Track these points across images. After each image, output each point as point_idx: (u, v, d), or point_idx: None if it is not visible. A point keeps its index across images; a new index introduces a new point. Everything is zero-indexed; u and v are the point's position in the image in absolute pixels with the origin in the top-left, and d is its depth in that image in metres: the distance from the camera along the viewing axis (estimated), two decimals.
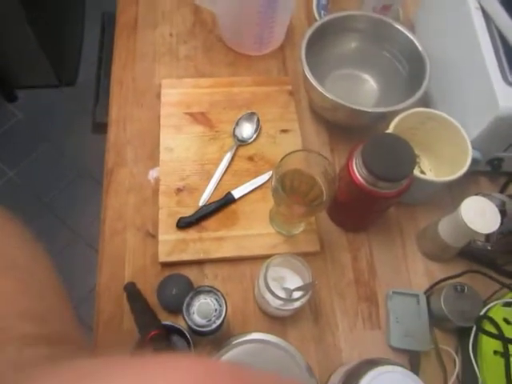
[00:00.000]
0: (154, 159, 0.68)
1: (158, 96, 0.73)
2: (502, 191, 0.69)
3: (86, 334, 0.33)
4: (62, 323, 0.30)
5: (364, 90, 0.76)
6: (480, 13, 0.64)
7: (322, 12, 0.83)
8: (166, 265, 0.60)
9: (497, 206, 0.54)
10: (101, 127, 0.76)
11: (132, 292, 0.56)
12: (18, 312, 0.26)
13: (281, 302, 0.52)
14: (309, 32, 0.68)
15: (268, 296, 0.51)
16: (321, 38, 0.69)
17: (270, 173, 0.65)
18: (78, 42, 1.82)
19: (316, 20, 0.81)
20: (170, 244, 0.60)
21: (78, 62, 1.79)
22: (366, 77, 0.77)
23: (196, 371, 0.15)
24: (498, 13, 0.61)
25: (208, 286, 0.49)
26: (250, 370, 0.17)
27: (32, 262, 0.31)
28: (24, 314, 0.26)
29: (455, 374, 0.56)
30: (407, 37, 0.69)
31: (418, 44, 0.68)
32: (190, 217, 0.61)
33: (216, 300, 0.49)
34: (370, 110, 0.63)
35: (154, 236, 0.62)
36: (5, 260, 0.29)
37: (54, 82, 1.69)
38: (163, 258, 0.59)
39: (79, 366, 0.17)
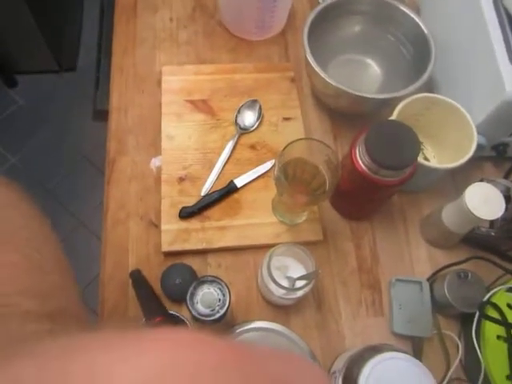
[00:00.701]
0: (155, 147, 0.67)
1: (159, 83, 0.72)
2: (506, 177, 0.68)
3: (90, 315, 0.33)
4: (66, 300, 0.30)
5: (367, 75, 0.75)
6: None
7: None
8: (169, 254, 0.60)
9: (501, 191, 0.54)
10: (102, 114, 0.76)
11: (138, 279, 0.57)
12: (21, 289, 0.26)
13: (284, 291, 0.52)
14: (311, 16, 0.66)
15: (271, 285, 0.51)
16: (323, 22, 0.68)
17: (273, 161, 0.65)
18: (77, 26, 1.79)
19: (319, 3, 0.79)
20: (173, 234, 0.60)
21: (78, 46, 1.77)
22: (370, 61, 0.75)
23: (194, 346, 0.16)
24: None
25: (211, 276, 0.49)
26: (249, 345, 0.18)
27: (37, 236, 0.31)
28: (27, 291, 0.26)
29: (458, 358, 0.56)
30: (412, 19, 0.68)
31: (423, 26, 0.66)
32: (192, 206, 0.61)
33: (219, 289, 0.49)
34: (373, 97, 0.62)
35: (156, 226, 0.62)
36: (8, 234, 0.29)
37: (54, 67, 1.67)
38: (166, 247, 0.59)
39: (75, 339, 0.17)
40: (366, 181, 0.53)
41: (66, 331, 0.25)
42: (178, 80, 0.71)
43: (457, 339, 0.58)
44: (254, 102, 0.69)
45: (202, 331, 0.16)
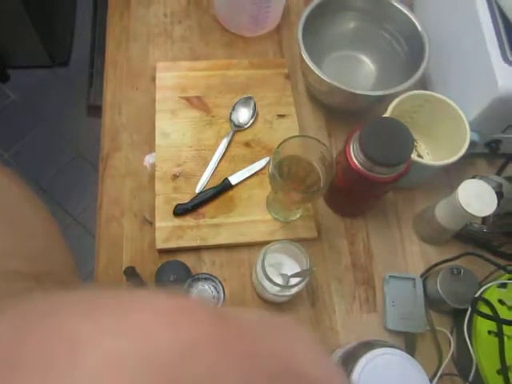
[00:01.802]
0: (150, 144, 0.67)
1: (153, 79, 0.71)
2: (499, 173, 0.69)
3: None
4: (53, 264, 0.29)
5: (362, 72, 0.75)
6: None
7: None
8: (164, 251, 0.60)
9: (493, 188, 0.55)
10: (96, 110, 0.75)
11: (132, 276, 0.57)
12: (2, 250, 0.26)
13: (278, 289, 0.52)
14: (306, 11, 0.66)
15: (266, 283, 0.51)
16: (318, 18, 0.68)
17: (267, 159, 0.65)
18: (70, 20, 1.78)
19: None
20: (167, 231, 0.60)
21: (71, 41, 1.76)
22: (364, 58, 0.75)
23: (175, 321, 0.15)
24: None
25: (206, 274, 0.49)
26: (232, 309, 0.17)
27: (22, 203, 0.31)
28: (10, 252, 0.26)
29: (450, 354, 0.57)
30: (406, 16, 0.68)
31: (417, 24, 0.66)
32: (186, 204, 0.61)
33: (214, 287, 0.49)
34: (367, 94, 0.62)
35: (151, 223, 0.62)
36: None
37: (47, 61, 1.66)
38: (160, 244, 0.59)
39: (50, 299, 0.17)
40: (360, 178, 0.53)
41: (46, 289, 0.25)
42: (173, 76, 0.71)
43: (449, 335, 0.58)
44: (249, 98, 0.69)
45: (185, 297, 0.16)
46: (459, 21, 0.65)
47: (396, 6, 0.68)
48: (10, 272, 0.25)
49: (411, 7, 0.79)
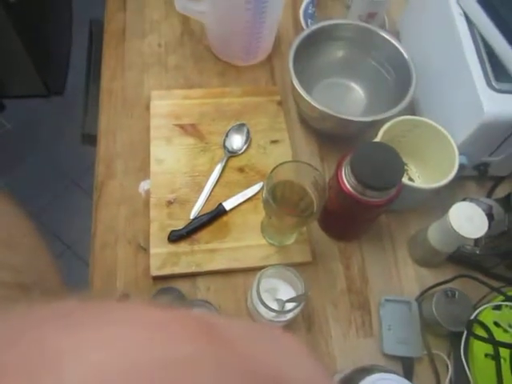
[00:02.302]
0: (144, 171, 0.68)
1: (148, 107, 0.73)
2: (488, 195, 0.70)
3: None
4: (40, 275, 0.30)
5: (352, 99, 0.77)
6: (463, 19, 0.65)
7: (309, 21, 0.84)
8: (158, 278, 0.60)
9: (484, 210, 0.55)
10: (90, 138, 0.76)
11: None
12: None
13: (274, 314, 0.52)
14: (296, 41, 0.69)
15: (261, 308, 0.51)
16: (308, 47, 0.70)
17: (261, 184, 0.66)
18: (65, 50, 1.81)
19: (303, 29, 0.81)
20: (162, 257, 0.60)
21: (66, 70, 1.78)
22: (354, 85, 0.77)
23: (166, 334, 0.14)
24: (481, 19, 0.62)
25: (201, 300, 0.49)
26: (217, 317, 0.17)
27: (6, 217, 0.31)
28: None
29: (448, 378, 0.57)
30: (393, 44, 0.70)
31: (403, 51, 0.69)
32: (181, 230, 0.61)
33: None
34: (357, 119, 0.63)
35: (145, 249, 0.62)
36: None
37: (42, 91, 1.68)
38: (155, 271, 0.59)
39: (35, 308, 0.16)
40: (352, 201, 0.54)
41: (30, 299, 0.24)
42: (167, 104, 0.72)
43: (446, 359, 0.58)
44: (242, 125, 0.70)
45: (175, 309, 0.15)
46: (444, 49, 0.68)
47: (383, 36, 0.71)
48: None
49: (397, 35, 0.82)
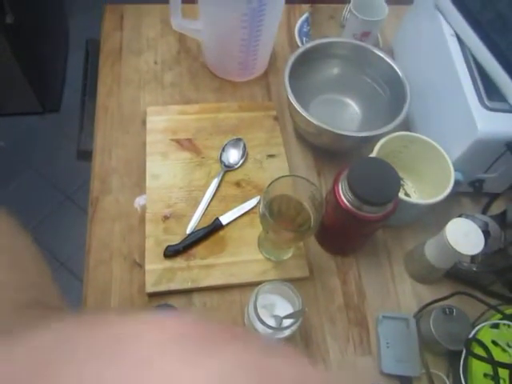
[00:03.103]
0: (140, 186, 0.67)
1: (144, 123, 0.73)
2: (484, 212, 0.70)
3: None
4: (41, 293, 0.30)
5: (347, 114, 0.77)
6: (455, 40, 0.66)
7: (304, 39, 0.86)
8: (154, 295, 0.59)
9: (480, 227, 0.55)
10: (86, 154, 0.76)
11: None
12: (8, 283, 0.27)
13: (271, 331, 0.51)
14: (291, 58, 0.69)
15: (258, 325, 0.50)
16: (303, 64, 0.71)
17: (258, 198, 0.66)
18: (61, 68, 1.82)
19: (298, 46, 0.82)
20: (157, 273, 0.59)
21: (62, 88, 1.79)
22: (349, 101, 0.78)
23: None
24: (473, 40, 0.64)
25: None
26: (207, 321, 0.17)
27: (6, 236, 0.32)
28: (4, 284, 0.27)
29: None
30: (387, 62, 0.71)
31: (397, 69, 0.70)
32: (177, 245, 0.60)
33: None
34: (352, 135, 0.64)
35: (140, 265, 0.61)
36: None
37: (38, 108, 1.68)
38: (150, 288, 0.58)
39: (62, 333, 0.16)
40: (349, 216, 0.54)
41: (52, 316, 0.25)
42: (163, 120, 0.73)
43: (445, 378, 0.57)
44: (239, 140, 0.71)
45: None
46: (437, 69, 0.69)
47: (377, 54, 0.72)
48: (5, 299, 0.25)
49: (391, 53, 0.83)
